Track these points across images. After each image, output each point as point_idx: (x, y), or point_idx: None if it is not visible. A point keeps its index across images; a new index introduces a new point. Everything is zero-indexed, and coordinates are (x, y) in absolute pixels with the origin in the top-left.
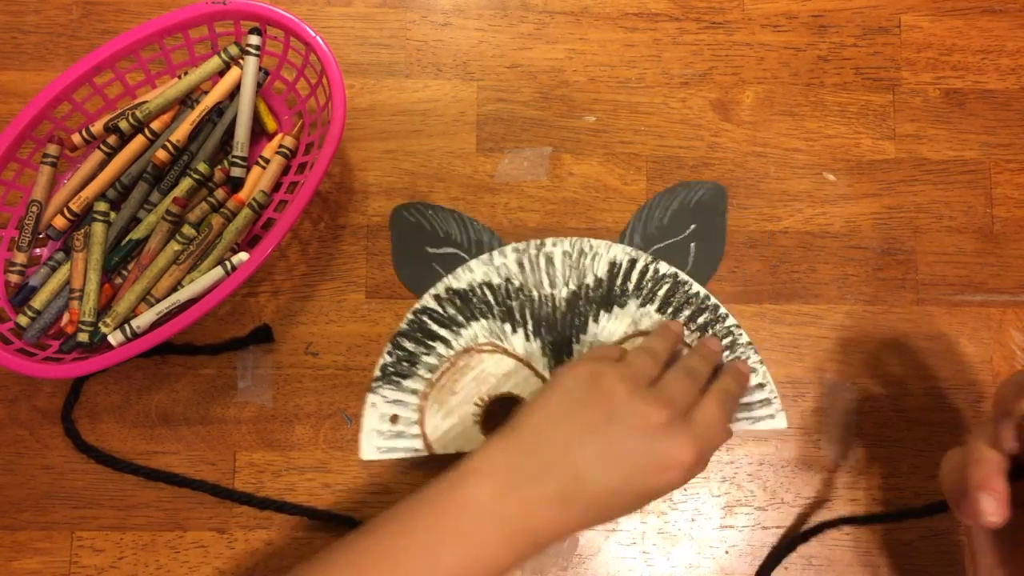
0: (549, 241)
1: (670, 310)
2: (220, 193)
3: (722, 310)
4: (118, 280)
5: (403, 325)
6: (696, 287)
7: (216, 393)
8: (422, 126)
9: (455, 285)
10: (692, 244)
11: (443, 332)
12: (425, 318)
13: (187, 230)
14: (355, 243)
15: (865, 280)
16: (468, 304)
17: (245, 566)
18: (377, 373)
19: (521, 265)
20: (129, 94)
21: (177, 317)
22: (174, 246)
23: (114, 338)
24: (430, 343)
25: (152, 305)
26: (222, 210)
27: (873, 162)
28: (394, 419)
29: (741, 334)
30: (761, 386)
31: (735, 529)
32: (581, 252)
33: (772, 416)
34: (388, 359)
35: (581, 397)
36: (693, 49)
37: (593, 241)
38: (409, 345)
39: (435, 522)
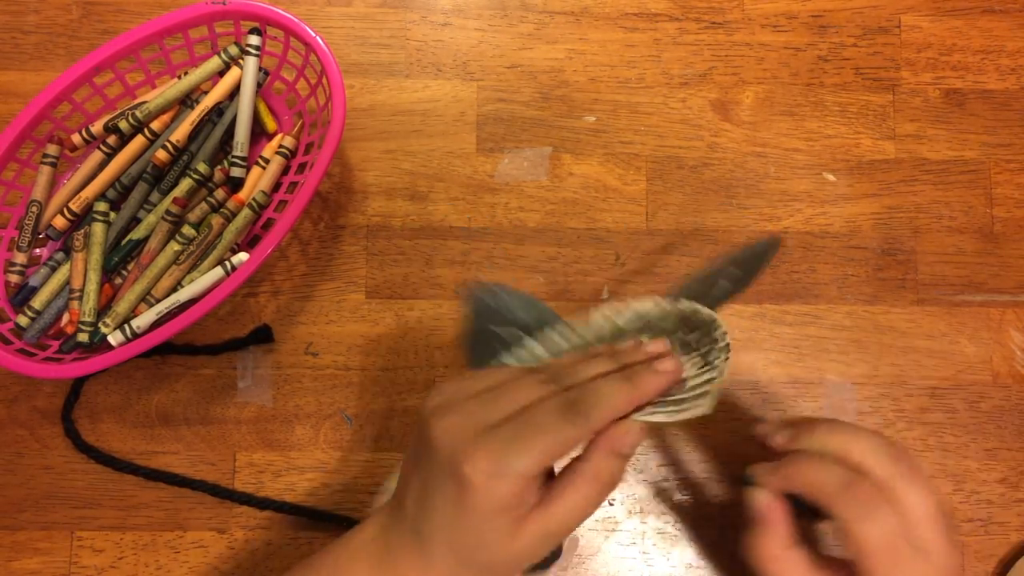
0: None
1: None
2: (220, 193)
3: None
4: (118, 280)
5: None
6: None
7: (216, 393)
8: (422, 126)
9: (509, 362)
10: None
11: None
12: None
13: (187, 230)
14: (355, 243)
15: (865, 280)
16: None
17: (245, 566)
18: None
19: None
20: (129, 94)
21: (177, 317)
22: (174, 246)
23: (114, 338)
24: None
25: (152, 305)
26: (222, 210)
27: (873, 162)
28: None
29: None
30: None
31: (735, 529)
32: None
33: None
34: None
35: (423, 437)
36: (693, 49)
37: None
38: None
39: None
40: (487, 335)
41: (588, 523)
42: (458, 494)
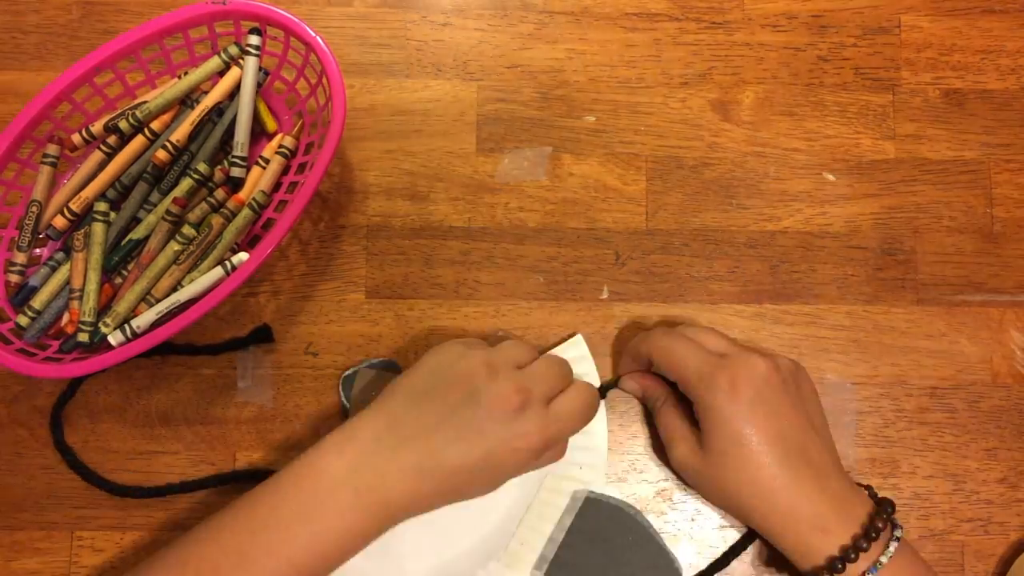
0: None
1: None
2: (220, 193)
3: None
4: (118, 280)
5: None
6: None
7: (216, 393)
8: (422, 126)
9: None
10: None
11: None
12: None
13: (187, 230)
14: (355, 243)
15: (865, 280)
16: None
17: None
18: None
19: None
20: (129, 94)
21: (177, 317)
22: (174, 246)
23: (114, 338)
24: None
25: (152, 305)
26: (222, 210)
27: (873, 162)
28: None
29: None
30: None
31: (735, 529)
32: None
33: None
34: None
35: (444, 376)
36: (693, 49)
37: None
38: None
39: (290, 496)
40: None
41: None
42: (491, 410)
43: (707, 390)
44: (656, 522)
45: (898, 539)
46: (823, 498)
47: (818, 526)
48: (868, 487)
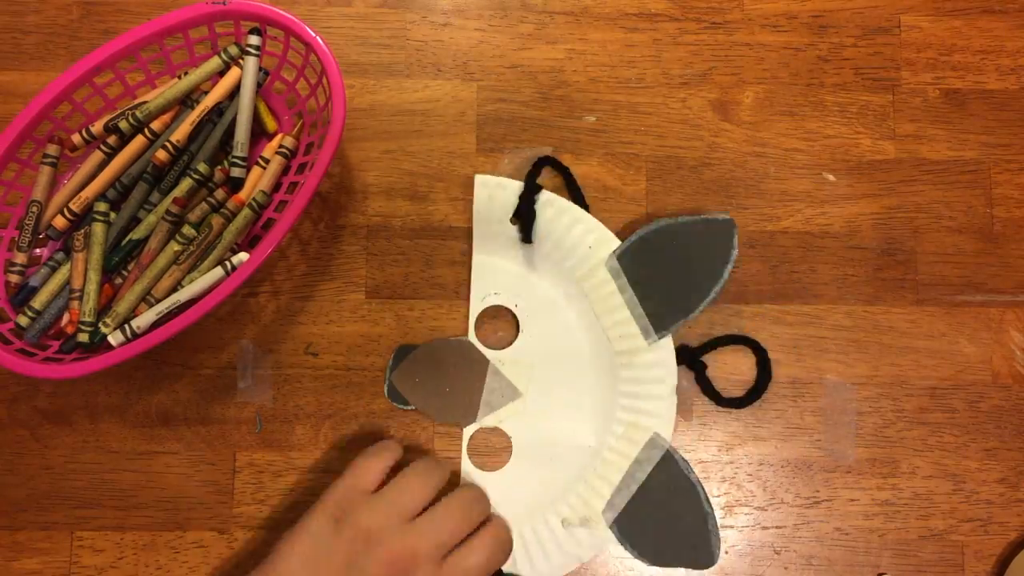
0: None
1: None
2: (220, 193)
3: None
4: (118, 280)
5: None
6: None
7: (216, 393)
8: (422, 126)
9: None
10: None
11: None
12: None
13: (187, 230)
14: (355, 243)
15: (865, 280)
16: None
17: (245, 566)
18: None
19: None
20: (129, 94)
21: (177, 317)
22: (174, 246)
23: (114, 338)
24: None
25: (152, 305)
26: (222, 210)
27: (873, 162)
28: None
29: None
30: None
31: (735, 529)
32: None
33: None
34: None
35: (330, 540)
36: (693, 49)
37: None
38: None
39: None
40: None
41: None
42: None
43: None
44: None
45: None
46: None
47: None
48: None
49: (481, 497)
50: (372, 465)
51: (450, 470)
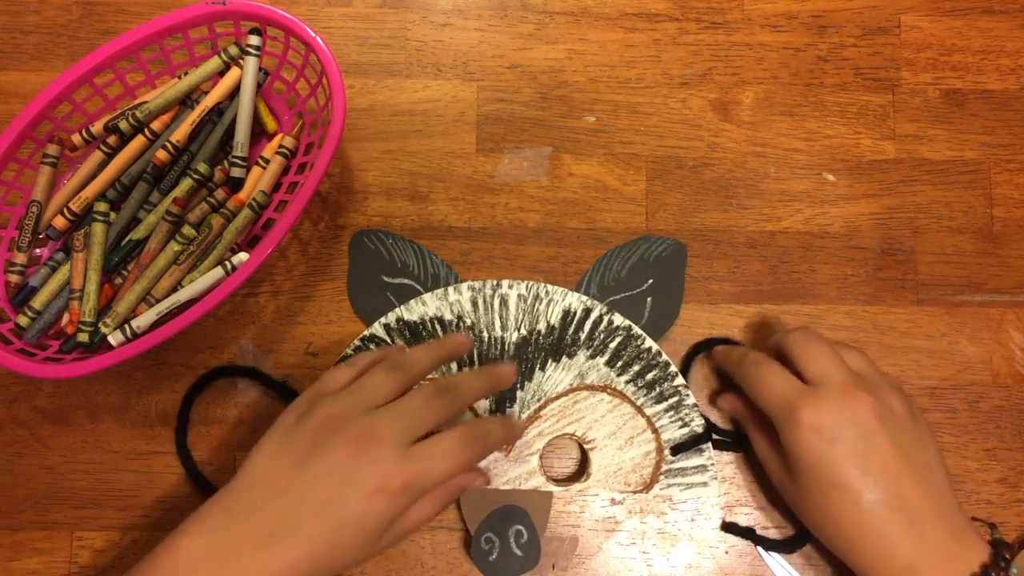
0: (505, 283)
1: (620, 363)
2: (220, 193)
3: (672, 368)
4: (118, 280)
5: (348, 350)
6: (649, 342)
7: (216, 393)
8: (422, 126)
9: (406, 317)
10: (649, 299)
11: None
12: (372, 346)
13: (187, 230)
14: None
15: (865, 280)
16: (417, 337)
17: None
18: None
19: (475, 304)
20: (129, 94)
21: (177, 317)
22: (174, 246)
23: (114, 338)
24: None
25: (152, 305)
26: (222, 210)
27: (873, 162)
28: None
29: (688, 395)
30: (700, 451)
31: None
32: (536, 297)
33: (705, 484)
34: None
35: (293, 430)
36: (693, 49)
37: (550, 287)
38: None
39: None
40: (377, 286)
41: (588, 523)
42: (345, 471)
43: (788, 425)
44: (656, 522)
45: None
46: (918, 549)
47: None
48: (992, 525)
49: (490, 381)
50: (342, 370)
51: (428, 374)
